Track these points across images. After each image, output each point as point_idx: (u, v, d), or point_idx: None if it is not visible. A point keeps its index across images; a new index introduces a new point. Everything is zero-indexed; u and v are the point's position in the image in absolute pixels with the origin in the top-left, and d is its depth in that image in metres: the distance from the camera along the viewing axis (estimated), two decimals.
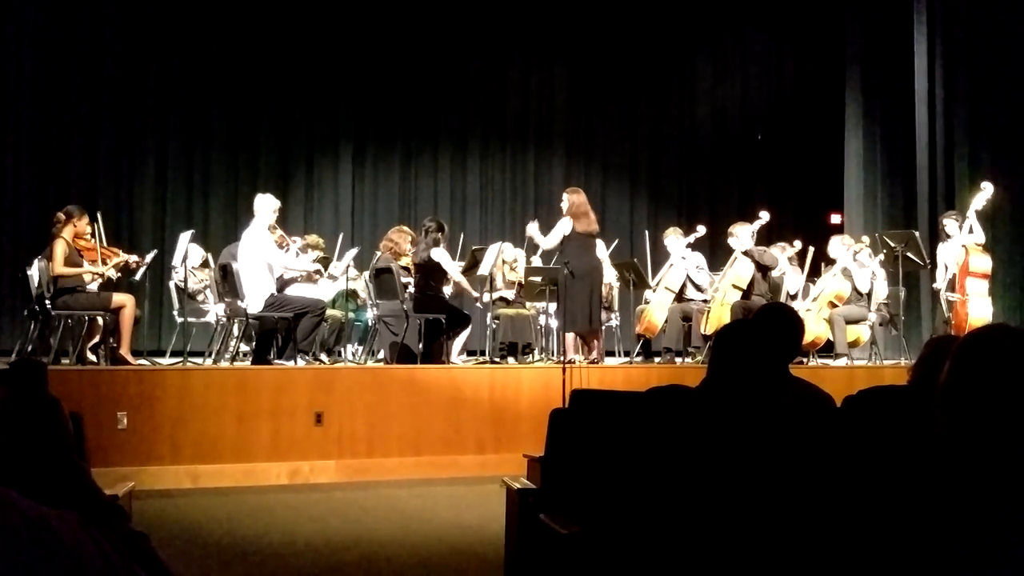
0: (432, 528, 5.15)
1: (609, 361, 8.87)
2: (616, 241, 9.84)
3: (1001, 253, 9.30)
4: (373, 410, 6.67)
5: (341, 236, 9.87)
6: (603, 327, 8.77)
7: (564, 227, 7.89)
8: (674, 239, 8.95)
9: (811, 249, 9.18)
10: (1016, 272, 9.58)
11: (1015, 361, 1.63)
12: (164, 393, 6.26)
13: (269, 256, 7.24)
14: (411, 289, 7.93)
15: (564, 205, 8.02)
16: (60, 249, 6.79)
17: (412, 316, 7.61)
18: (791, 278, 9.09)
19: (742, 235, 8.46)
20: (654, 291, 8.87)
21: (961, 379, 1.66)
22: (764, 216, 8.82)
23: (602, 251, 8.85)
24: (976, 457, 1.60)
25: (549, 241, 8.04)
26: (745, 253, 8.38)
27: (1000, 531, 1.54)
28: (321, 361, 7.89)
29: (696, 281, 8.86)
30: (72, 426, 1.66)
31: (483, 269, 8.29)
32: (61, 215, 7.06)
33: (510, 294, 9.13)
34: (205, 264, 8.95)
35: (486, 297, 8.52)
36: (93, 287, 7.27)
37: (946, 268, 8.46)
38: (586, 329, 8.05)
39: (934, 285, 8.77)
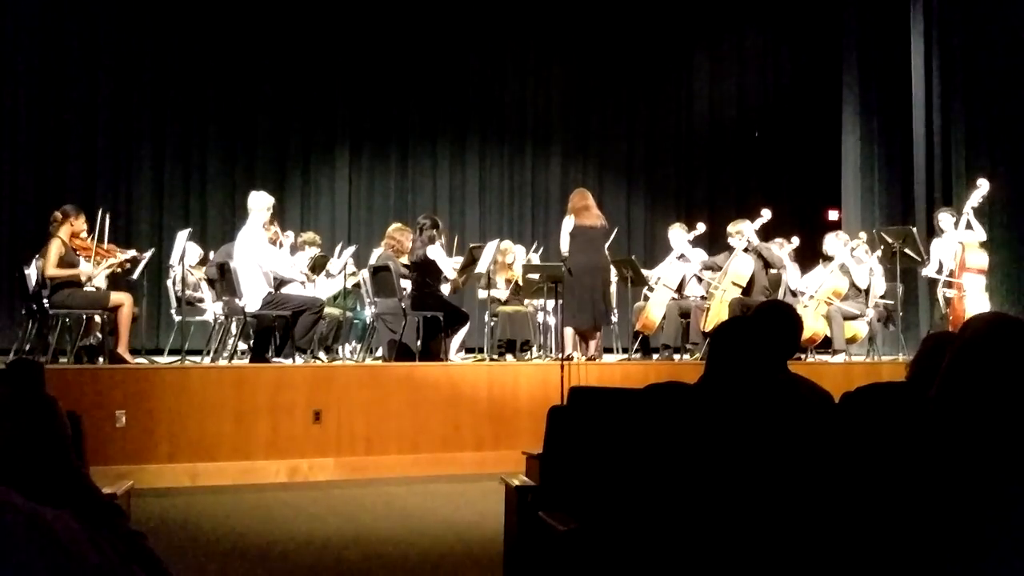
0: (431, 526, 5.14)
1: (607, 358, 8.86)
2: (613, 238, 9.82)
3: (998, 249, 9.31)
4: (372, 408, 6.67)
5: (339, 241, 9.85)
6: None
7: (567, 225, 8.04)
8: (679, 234, 8.95)
9: (796, 240, 9.21)
10: (1013, 268, 9.58)
11: (1014, 351, 1.63)
12: (162, 391, 6.25)
13: (260, 257, 7.21)
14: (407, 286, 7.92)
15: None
16: (55, 249, 6.76)
17: (410, 314, 7.61)
18: (790, 274, 9.10)
19: (745, 232, 8.48)
20: (652, 289, 8.87)
21: (964, 367, 1.67)
22: (766, 214, 8.83)
23: None
24: (975, 447, 1.60)
25: (562, 244, 8.12)
26: (753, 249, 8.39)
27: (997, 523, 1.54)
28: (319, 359, 7.88)
29: (699, 277, 8.88)
30: (70, 426, 1.66)
31: (481, 267, 8.28)
32: (58, 214, 7.03)
33: (503, 294, 9.13)
34: (203, 262, 8.96)
35: (483, 294, 8.50)
36: (99, 282, 7.27)
37: (940, 264, 8.46)
38: (587, 326, 8.05)
39: (923, 272, 8.73)
